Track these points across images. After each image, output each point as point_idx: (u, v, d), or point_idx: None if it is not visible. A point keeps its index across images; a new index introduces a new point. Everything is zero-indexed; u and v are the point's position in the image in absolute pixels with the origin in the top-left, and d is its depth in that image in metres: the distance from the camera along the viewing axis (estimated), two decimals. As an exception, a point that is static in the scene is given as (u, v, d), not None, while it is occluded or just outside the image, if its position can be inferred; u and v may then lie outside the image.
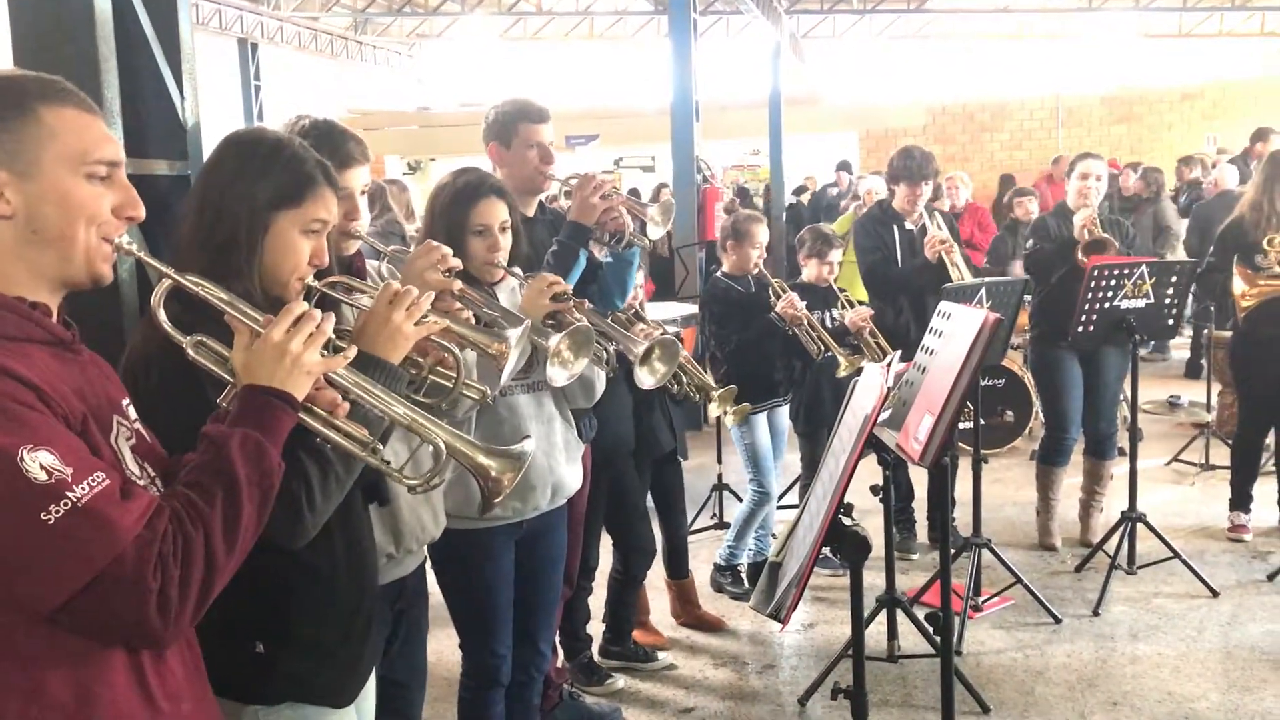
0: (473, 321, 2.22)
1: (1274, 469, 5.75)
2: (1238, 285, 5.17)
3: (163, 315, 1.70)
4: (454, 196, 2.83)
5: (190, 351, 1.71)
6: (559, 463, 3.02)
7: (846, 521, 2.01)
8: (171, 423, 1.74)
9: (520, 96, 3.44)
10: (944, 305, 3.07)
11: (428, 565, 2.78)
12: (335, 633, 2.00)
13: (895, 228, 5.33)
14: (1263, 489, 5.69)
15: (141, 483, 1.55)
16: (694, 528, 5.60)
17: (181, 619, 1.45)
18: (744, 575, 5.11)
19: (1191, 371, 9.51)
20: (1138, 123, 18.38)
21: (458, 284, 2.32)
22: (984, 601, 4.78)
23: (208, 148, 2.13)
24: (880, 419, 3.29)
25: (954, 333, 2.79)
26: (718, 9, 15.97)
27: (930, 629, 3.72)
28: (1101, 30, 17.90)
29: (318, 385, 1.71)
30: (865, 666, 2.67)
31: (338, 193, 2.00)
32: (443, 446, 1.79)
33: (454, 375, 1.99)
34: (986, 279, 4.92)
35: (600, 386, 3.04)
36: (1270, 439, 5.72)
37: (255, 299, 1.80)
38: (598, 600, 4.40)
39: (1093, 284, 4.77)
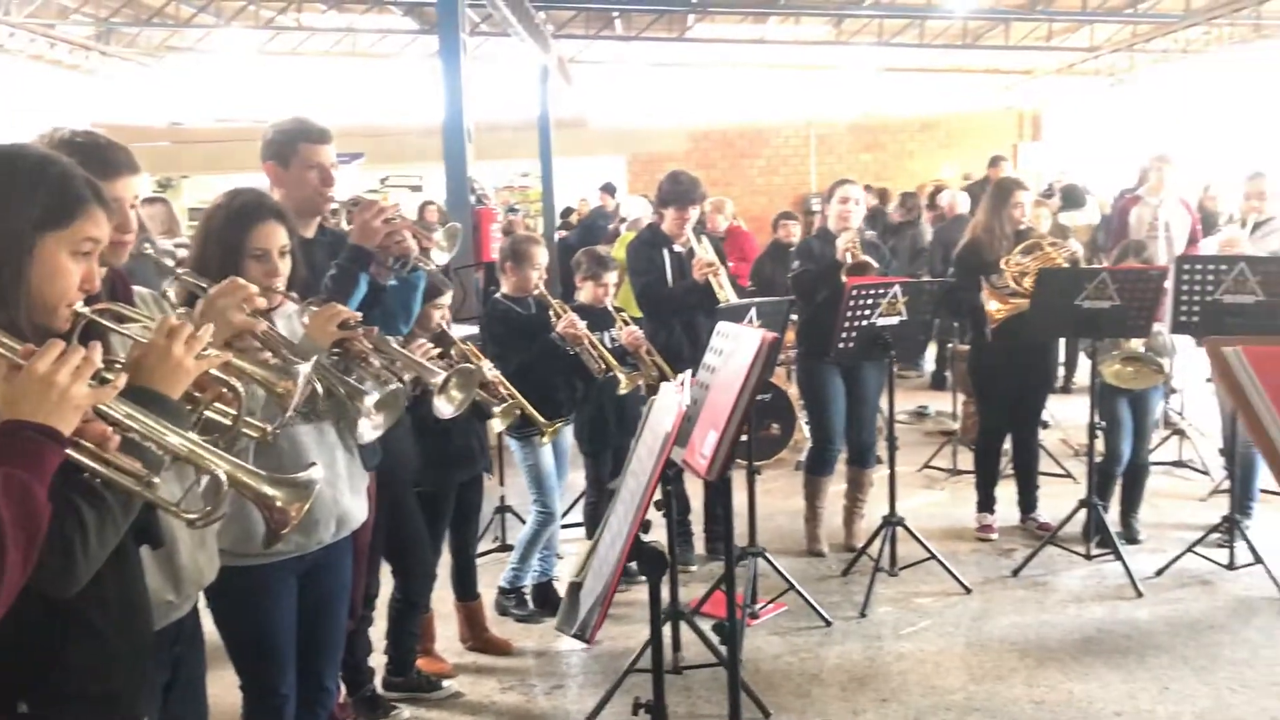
0: (272, 363, 2.14)
1: (1012, 472, 6.23)
2: (992, 303, 5.59)
3: (-96, 348, 1.57)
4: (230, 218, 2.72)
5: (-61, 386, 1.58)
6: (343, 494, 2.94)
7: (644, 538, 2.07)
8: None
9: (299, 115, 3.35)
10: (722, 325, 3.19)
11: (201, 603, 2.64)
12: (108, 686, 1.88)
13: (665, 250, 5.49)
14: (1005, 491, 6.17)
15: (-113, 532, 1.43)
16: (477, 551, 5.54)
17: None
18: (529, 597, 5.11)
19: (937, 383, 10.21)
20: (882, 150, 19.57)
21: (263, 325, 2.22)
22: (760, 609, 4.97)
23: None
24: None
25: (734, 351, 2.90)
26: (485, 30, 15.94)
27: (715, 639, 3.83)
28: (848, 62, 18.99)
29: (86, 418, 1.63)
30: (658, 679, 2.72)
31: (109, 210, 1.89)
32: (223, 477, 1.72)
33: (234, 412, 1.92)
34: (756, 299, 5.14)
35: None
36: (1008, 444, 6.20)
37: (20, 328, 1.68)
38: (378, 630, 4.30)
39: (851, 303, 5.05)
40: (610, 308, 5.25)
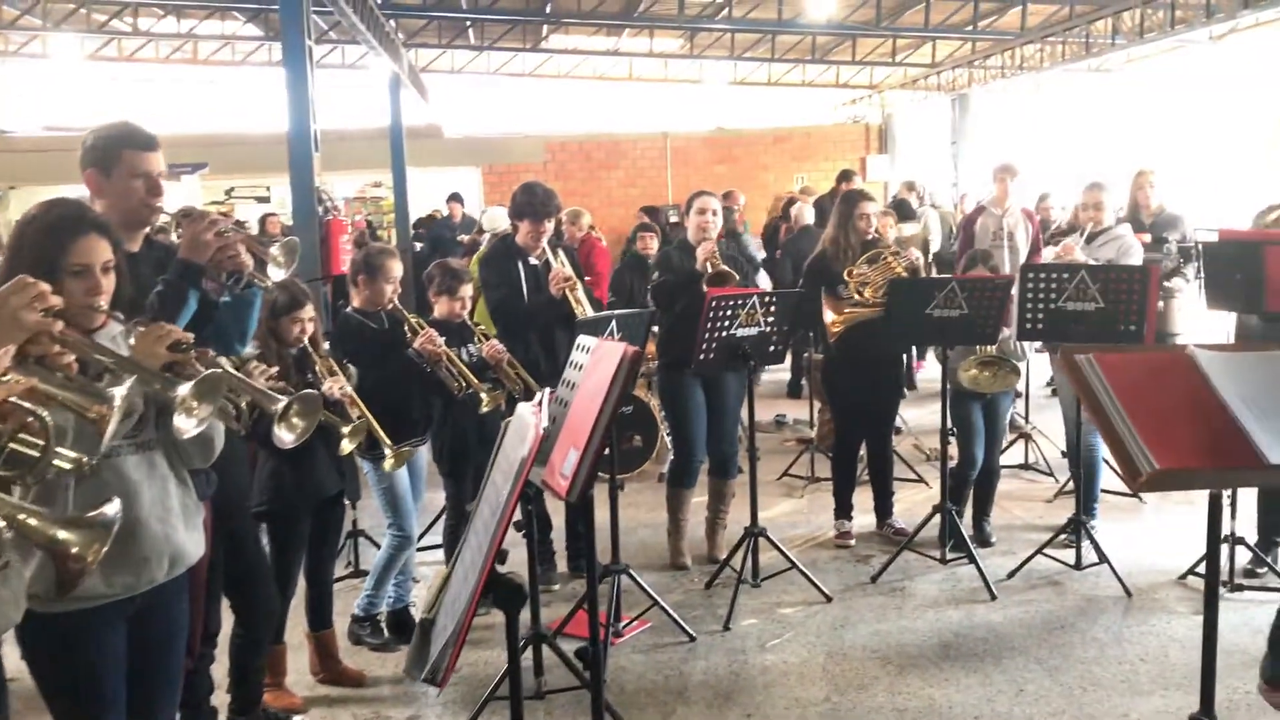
0: (75, 370, 1.93)
1: (868, 478, 6.31)
2: (828, 314, 5.66)
3: None
4: (47, 231, 2.48)
5: None
6: (176, 530, 2.71)
7: (500, 568, 1.94)
8: None
9: (124, 120, 3.11)
10: (582, 339, 3.10)
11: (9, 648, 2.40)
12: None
13: (520, 263, 5.37)
14: (861, 497, 6.24)
15: None
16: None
17: None
18: (384, 625, 4.90)
19: (793, 392, 10.33)
20: (736, 163, 19.81)
21: (58, 325, 2.01)
22: (624, 627, 4.88)
23: None
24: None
25: (595, 366, 2.80)
26: (333, 37, 15.52)
27: (580, 664, 3.72)
28: (703, 75, 19.21)
29: None
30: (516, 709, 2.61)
31: None
32: (1, 525, 1.53)
33: (41, 443, 1.72)
34: (616, 311, 5.06)
35: (219, 443, 2.76)
36: (863, 451, 6.28)
37: None
38: (222, 667, 4.05)
39: (711, 314, 5.02)
40: (467, 322, 5.10)
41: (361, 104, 17.17)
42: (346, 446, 4.03)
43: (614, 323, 4.74)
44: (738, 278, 5.43)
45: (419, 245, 14.61)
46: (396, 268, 4.79)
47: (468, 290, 5.14)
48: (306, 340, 4.16)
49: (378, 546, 5.05)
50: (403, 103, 15.17)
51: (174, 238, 3.10)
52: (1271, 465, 2.26)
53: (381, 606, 4.90)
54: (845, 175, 11.99)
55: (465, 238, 13.46)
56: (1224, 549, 5.18)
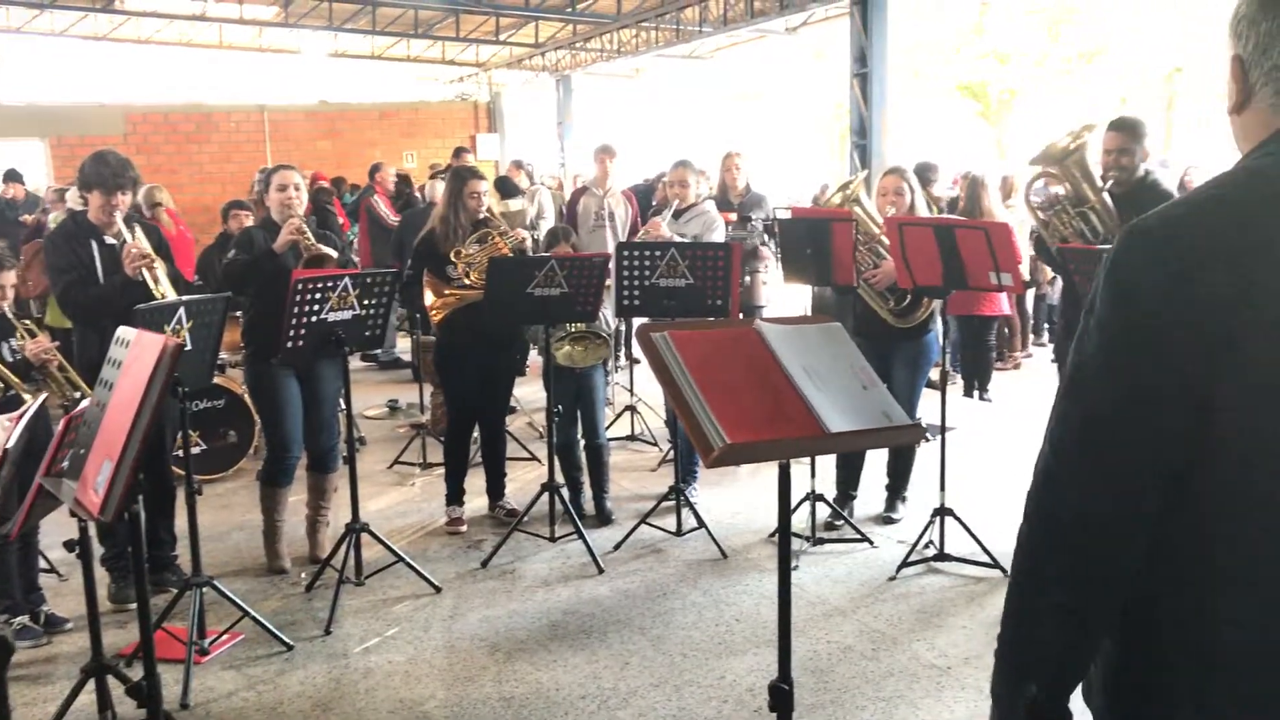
0: None
1: (480, 461, 6.20)
2: (428, 297, 5.47)
3: None
4: None
5: None
6: None
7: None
8: None
9: None
10: (121, 331, 2.70)
11: None
12: None
13: (93, 242, 4.79)
14: (477, 481, 6.11)
15: None
16: None
17: None
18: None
19: (413, 375, 10.07)
20: (341, 138, 19.07)
21: None
22: (211, 643, 4.45)
23: None
24: (64, 467, 2.83)
25: (132, 362, 2.44)
26: None
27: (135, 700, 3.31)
28: (301, 46, 18.31)
29: None
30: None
31: None
32: None
33: None
34: (185, 297, 4.56)
35: None
36: (477, 432, 6.16)
37: None
38: None
39: (298, 298, 4.67)
40: (9, 314, 4.44)
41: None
42: None
43: (182, 310, 4.26)
44: (335, 256, 5.12)
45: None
46: (-94, 250, 4.07)
47: (9, 277, 4.49)
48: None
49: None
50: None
51: None
52: (832, 434, 2.32)
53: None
54: (459, 152, 11.83)
55: (28, 217, 11.97)
56: (805, 506, 5.55)
